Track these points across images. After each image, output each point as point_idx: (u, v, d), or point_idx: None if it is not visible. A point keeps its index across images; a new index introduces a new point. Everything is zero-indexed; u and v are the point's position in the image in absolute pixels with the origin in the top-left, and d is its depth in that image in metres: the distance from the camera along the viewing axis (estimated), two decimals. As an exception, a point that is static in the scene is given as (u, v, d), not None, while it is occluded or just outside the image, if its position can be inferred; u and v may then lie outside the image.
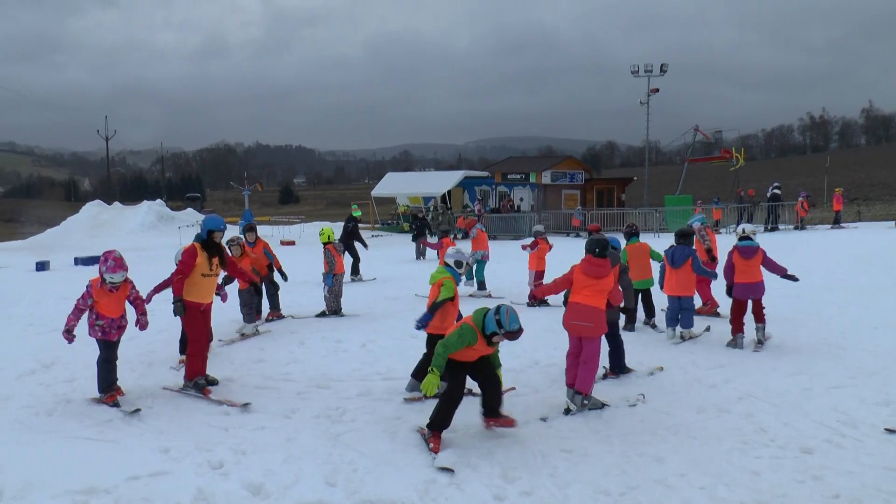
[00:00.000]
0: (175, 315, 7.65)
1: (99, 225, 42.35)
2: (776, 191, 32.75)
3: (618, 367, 8.34)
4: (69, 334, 7.32)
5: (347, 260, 15.82)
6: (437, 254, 15.61)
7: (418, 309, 13.01)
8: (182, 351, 8.82)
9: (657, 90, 48.36)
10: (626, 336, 8.71)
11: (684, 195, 42.85)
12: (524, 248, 14.52)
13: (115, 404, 7.16)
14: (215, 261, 7.94)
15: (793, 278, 9.93)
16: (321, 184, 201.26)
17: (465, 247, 14.47)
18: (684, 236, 10.56)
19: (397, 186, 42.64)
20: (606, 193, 42.59)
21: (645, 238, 12.24)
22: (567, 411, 6.97)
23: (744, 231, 10.31)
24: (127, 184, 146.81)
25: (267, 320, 11.90)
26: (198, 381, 7.74)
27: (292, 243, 33.36)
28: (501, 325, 6.06)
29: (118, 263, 7.24)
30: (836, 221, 30.97)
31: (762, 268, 9.93)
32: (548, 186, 40.49)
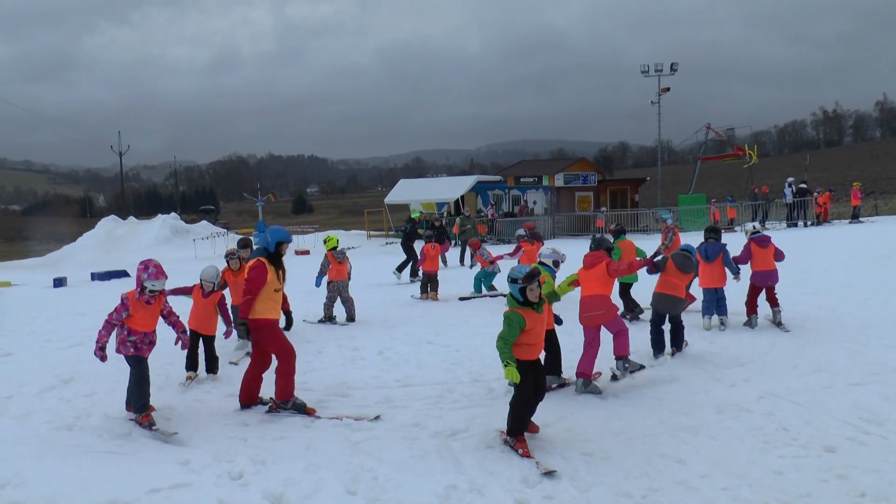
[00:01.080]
0: (240, 339, 7.39)
1: (114, 240, 42.65)
2: (802, 185, 32.48)
3: (676, 345, 9.21)
4: (102, 352, 7.03)
5: (378, 263, 15.67)
6: (471, 257, 15.60)
7: (434, 315, 13.05)
8: (189, 368, 8.78)
9: (668, 89, 48.22)
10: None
11: (698, 194, 42.72)
12: (510, 255, 14.79)
13: (151, 424, 6.91)
14: (282, 274, 7.57)
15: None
16: (334, 193, 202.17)
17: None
18: (714, 232, 11.12)
19: (410, 193, 42.68)
20: (620, 194, 42.48)
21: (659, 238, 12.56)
22: (614, 378, 7.89)
23: (754, 228, 11.50)
24: (141, 198, 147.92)
25: None
26: (295, 400, 7.37)
27: (307, 252, 33.45)
28: (517, 279, 6.16)
29: (159, 270, 7.09)
30: (855, 216, 30.73)
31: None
32: (561, 189, 40.44)
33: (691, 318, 10.54)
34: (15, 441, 6.68)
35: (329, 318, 12.71)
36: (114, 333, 7.18)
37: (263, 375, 7.59)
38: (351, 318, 12.68)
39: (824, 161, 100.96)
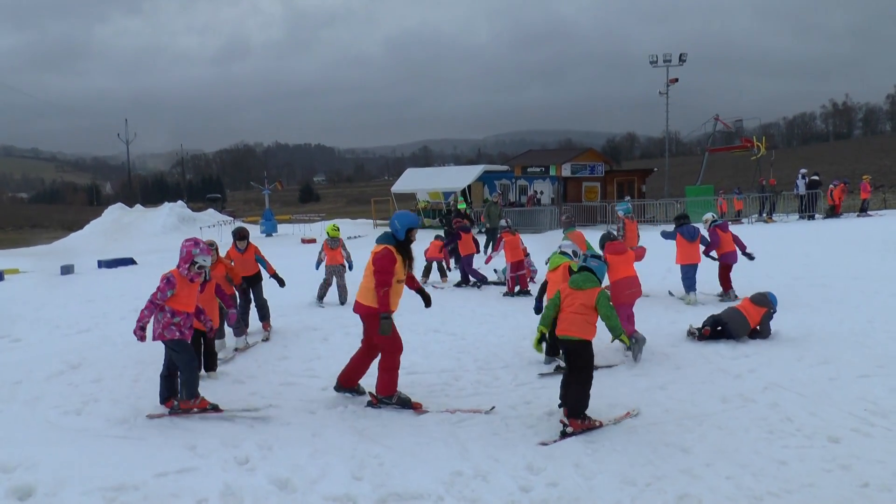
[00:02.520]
0: (381, 333, 6.88)
1: (121, 228, 42.81)
2: (815, 177, 32.28)
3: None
4: (143, 332, 6.85)
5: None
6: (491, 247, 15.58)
7: (441, 304, 13.06)
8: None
9: (676, 80, 48.02)
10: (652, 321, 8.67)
11: (705, 185, 42.52)
12: (494, 250, 15.26)
13: (215, 408, 6.87)
14: (409, 263, 7.23)
15: (750, 256, 12.76)
16: (341, 182, 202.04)
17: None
18: (683, 217, 12.80)
19: (417, 182, 42.61)
20: (627, 185, 42.31)
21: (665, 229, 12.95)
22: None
23: (713, 217, 12.90)
24: (148, 186, 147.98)
25: (265, 330, 10.87)
26: (399, 395, 7.11)
27: (313, 241, 33.51)
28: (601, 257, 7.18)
29: (208, 248, 7.08)
30: (863, 209, 30.59)
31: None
32: (568, 179, 40.31)
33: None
34: (24, 425, 6.75)
35: (322, 297, 13.88)
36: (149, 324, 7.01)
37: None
38: (342, 302, 13.55)
39: (833, 154, 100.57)
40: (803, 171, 33.51)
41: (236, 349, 9.81)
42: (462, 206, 21.32)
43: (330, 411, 7.00)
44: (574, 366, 6.48)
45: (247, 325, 10.47)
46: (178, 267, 6.93)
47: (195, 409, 6.84)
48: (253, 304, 10.94)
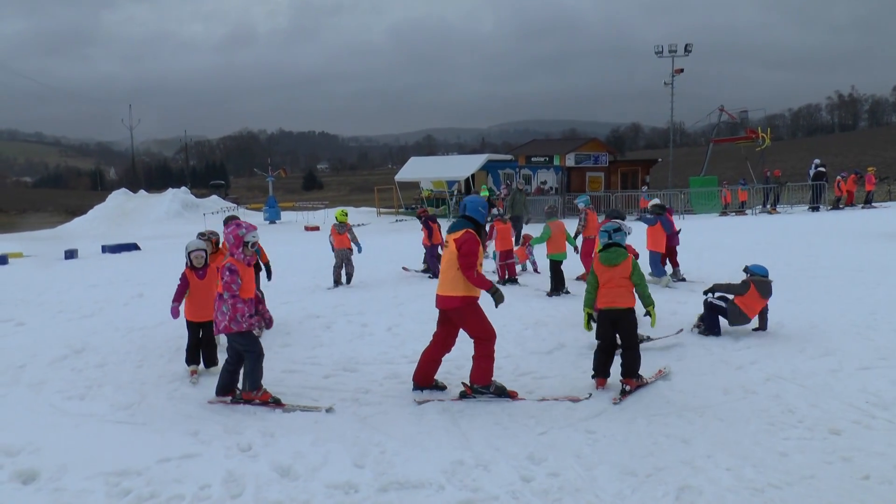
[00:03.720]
0: (497, 306, 6.91)
1: (125, 213, 42.87)
2: (820, 169, 32.12)
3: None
4: (252, 319, 6.68)
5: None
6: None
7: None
8: (192, 361, 8.03)
9: (681, 71, 47.93)
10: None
11: (709, 176, 42.49)
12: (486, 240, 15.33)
13: (277, 401, 6.72)
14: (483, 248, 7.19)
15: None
16: (344, 170, 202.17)
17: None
18: (662, 207, 13.47)
19: (421, 171, 42.63)
20: (631, 175, 42.32)
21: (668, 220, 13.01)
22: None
23: (654, 203, 13.70)
24: (152, 172, 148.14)
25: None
26: (495, 383, 6.98)
27: (317, 228, 33.55)
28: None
29: (249, 223, 6.89)
30: (868, 201, 30.51)
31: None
32: (572, 169, 40.30)
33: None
34: (28, 409, 6.78)
35: (336, 281, 14.28)
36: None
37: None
38: (349, 282, 14.41)
39: (839, 145, 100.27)
40: (817, 161, 33.30)
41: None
42: (485, 192, 21.17)
43: (332, 399, 7.01)
44: (624, 333, 7.18)
45: None
46: (233, 254, 6.69)
47: (257, 401, 6.71)
48: None
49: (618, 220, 8.35)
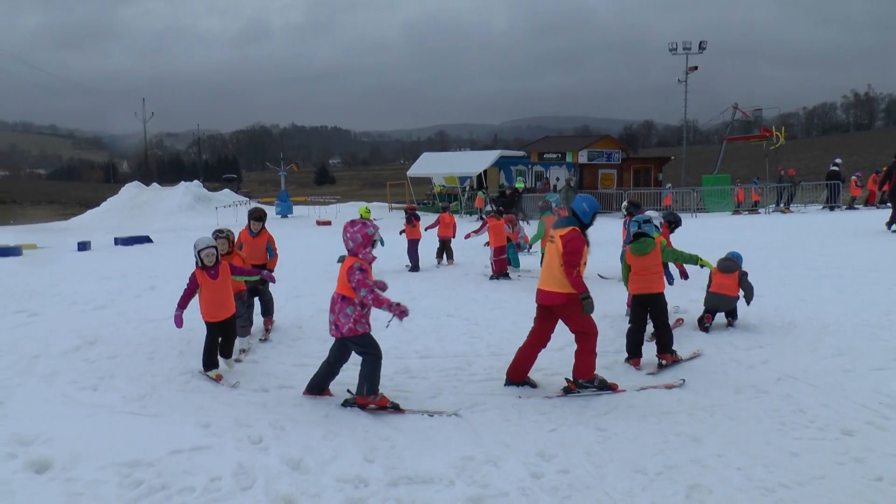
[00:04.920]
0: (585, 313, 6.76)
1: (137, 206, 43.01)
2: (833, 168, 31.82)
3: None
4: (402, 313, 6.43)
5: None
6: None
7: (456, 289, 13.11)
8: (210, 366, 7.64)
9: (696, 68, 47.75)
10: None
11: (722, 175, 42.31)
12: (476, 232, 15.57)
13: (395, 406, 6.51)
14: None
15: None
16: (357, 164, 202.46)
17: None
18: (637, 206, 12.84)
19: (433, 167, 42.51)
20: (644, 173, 42.12)
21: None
22: None
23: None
24: (164, 165, 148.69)
25: (265, 330, 9.75)
26: (598, 376, 6.98)
27: (329, 223, 33.59)
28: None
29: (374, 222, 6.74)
30: (883, 201, 30.20)
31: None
32: (584, 166, 40.18)
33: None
34: (42, 399, 6.82)
35: None
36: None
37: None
38: None
39: (854, 145, 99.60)
40: (838, 160, 33.01)
41: (242, 351, 8.69)
42: (520, 185, 21.07)
43: (342, 393, 7.02)
44: (655, 314, 7.95)
45: (251, 324, 9.32)
46: (357, 254, 6.53)
47: (372, 406, 6.49)
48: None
49: (648, 213, 8.87)
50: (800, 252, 16.45)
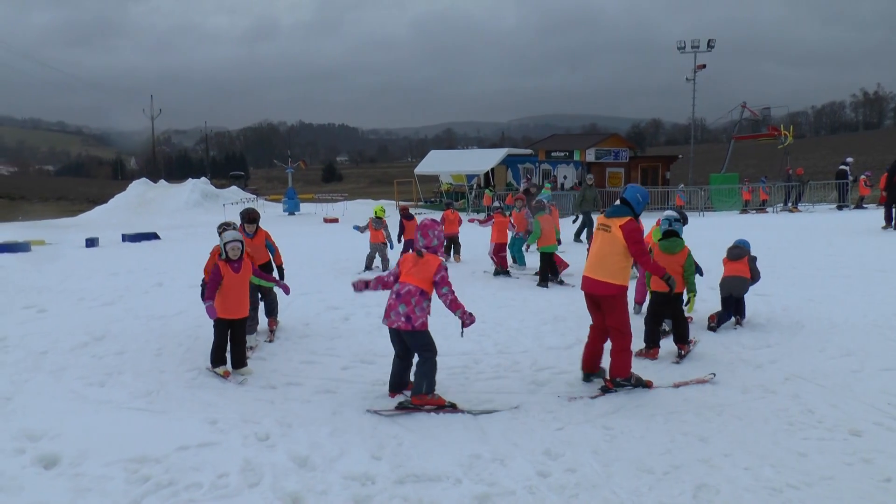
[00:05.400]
0: (672, 292, 7.60)
1: (145, 203, 43.14)
2: (842, 167, 31.60)
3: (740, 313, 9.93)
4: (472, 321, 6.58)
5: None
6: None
7: (462, 287, 13.08)
8: (218, 362, 7.52)
9: (704, 66, 47.55)
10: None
11: (730, 173, 42.14)
12: (481, 223, 16.21)
13: (452, 405, 6.47)
14: None
15: None
16: (364, 162, 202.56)
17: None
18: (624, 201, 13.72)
19: (440, 164, 42.50)
20: (651, 171, 42.02)
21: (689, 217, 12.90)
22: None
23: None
24: (172, 162, 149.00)
25: (270, 331, 9.52)
26: (635, 374, 7.01)
27: (336, 220, 33.60)
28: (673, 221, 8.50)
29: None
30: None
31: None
32: (592, 164, 40.08)
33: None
34: (50, 395, 6.85)
35: (367, 267, 15.34)
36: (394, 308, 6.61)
37: None
38: (385, 270, 14.74)
39: (862, 144, 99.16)
40: (849, 159, 32.82)
41: (249, 347, 8.49)
42: (546, 193, 21.07)
43: (350, 390, 7.04)
44: (674, 311, 8.14)
45: (257, 322, 9.19)
46: (436, 252, 6.62)
47: (429, 406, 6.44)
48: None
49: (673, 212, 8.95)
50: (808, 251, 16.39)
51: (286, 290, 8.46)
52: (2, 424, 6.01)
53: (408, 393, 6.68)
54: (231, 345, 7.61)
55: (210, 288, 7.46)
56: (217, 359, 7.55)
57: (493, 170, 39.60)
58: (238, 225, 8.90)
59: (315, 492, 4.85)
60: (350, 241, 19.87)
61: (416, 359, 6.70)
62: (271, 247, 9.65)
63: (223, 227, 8.55)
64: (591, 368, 7.25)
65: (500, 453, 5.44)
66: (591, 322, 7.27)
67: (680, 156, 49.17)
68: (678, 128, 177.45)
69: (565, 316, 10.26)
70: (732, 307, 9.52)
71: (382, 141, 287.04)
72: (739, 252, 9.81)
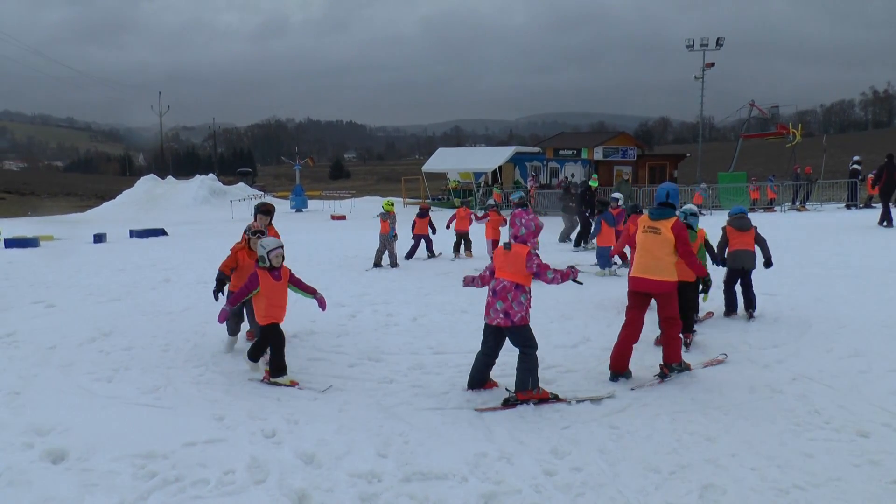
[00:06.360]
0: (705, 291, 7.89)
1: (153, 199, 43.31)
2: (855, 166, 31.44)
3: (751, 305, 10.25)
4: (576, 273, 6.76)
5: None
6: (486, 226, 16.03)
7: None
8: (278, 373, 7.14)
9: (712, 64, 47.34)
10: None
11: (738, 172, 41.98)
12: (478, 219, 16.84)
13: (556, 396, 6.55)
14: None
15: None
16: (372, 159, 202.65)
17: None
18: (605, 204, 14.78)
19: (448, 162, 42.45)
20: (659, 170, 41.94)
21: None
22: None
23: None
24: (180, 159, 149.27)
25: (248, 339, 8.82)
26: (684, 361, 7.44)
27: (343, 218, 33.64)
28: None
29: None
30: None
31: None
32: (600, 162, 40.03)
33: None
34: (58, 390, 6.89)
35: (377, 264, 15.45)
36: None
37: None
38: (392, 264, 15.49)
39: (871, 143, 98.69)
40: (857, 157, 32.63)
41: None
42: (594, 183, 20.88)
43: (357, 388, 7.05)
44: (684, 300, 8.06)
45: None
46: (527, 242, 6.65)
47: (534, 400, 6.46)
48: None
49: (693, 206, 9.41)
50: (816, 251, 16.32)
51: (322, 305, 7.63)
52: (10, 419, 6.05)
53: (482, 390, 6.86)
54: (262, 344, 7.35)
55: (240, 295, 7.21)
56: (279, 368, 7.16)
57: (500, 167, 39.55)
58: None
59: (321, 489, 4.85)
60: (357, 238, 19.89)
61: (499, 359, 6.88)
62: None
63: (257, 235, 8.24)
64: (622, 368, 7.33)
65: (507, 452, 5.44)
66: (623, 321, 7.48)
67: (688, 154, 49.03)
68: (686, 126, 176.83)
69: (572, 314, 10.24)
70: (740, 286, 9.96)
71: (390, 138, 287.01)
72: (745, 223, 10.10)
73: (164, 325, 9.80)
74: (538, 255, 6.57)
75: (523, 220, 6.72)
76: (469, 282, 7.11)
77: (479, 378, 6.87)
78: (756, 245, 10.05)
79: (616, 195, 15.73)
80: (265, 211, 9.24)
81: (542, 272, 6.49)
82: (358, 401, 6.65)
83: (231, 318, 8.21)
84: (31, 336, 9.06)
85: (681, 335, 7.46)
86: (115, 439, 5.55)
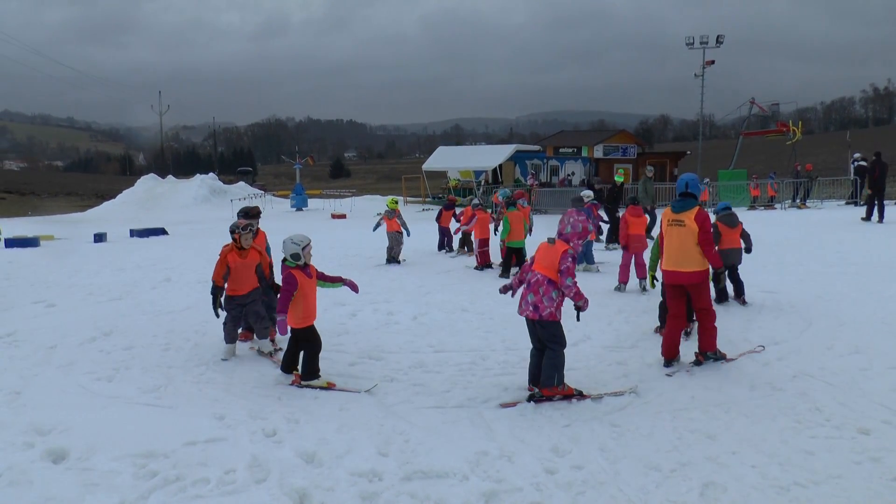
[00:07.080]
0: (720, 284, 8.50)
1: (153, 198, 43.29)
2: (862, 163, 31.38)
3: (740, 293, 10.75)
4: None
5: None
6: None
7: (471, 283, 13.10)
8: (311, 376, 7.03)
9: (713, 62, 47.39)
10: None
11: (739, 170, 41.97)
12: (457, 218, 17.50)
13: (580, 393, 6.59)
14: None
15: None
16: (372, 158, 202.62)
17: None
18: (579, 201, 14.27)
19: (448, 160, 42.37)
20: (659, 168, 41.89)
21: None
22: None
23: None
24: (180, 158, 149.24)
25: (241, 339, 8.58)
26: (719, 349, 7.76)
27: (343, 216, 33.62)
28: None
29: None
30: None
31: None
32: (600, 160, 40.02)
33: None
34: (59, 390, 6.89)
35: (389, 260, 15.89)
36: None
37: None
38: (398, 261, 15.87)
39: (872, 140, 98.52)
40: (857, 154, 32.59)
41: (260, 351, 8.35)
42: (619, 178, 20.77)
43: (357, 386, 7.03)
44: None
45: (273, 322, 8.32)
46: (569, 241, 6.65)
47: (558, 397, 6.52)
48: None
49: (727, 202, 9.87)
50: (816, 248, 16.32)
51: (354, 288, 7.58)
52: (11, 419, 6.04)
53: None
54: (306, 353, 7.13)
55: (284, 299, 6.86)
56: (314, 371, 7.08)
57: (500, 166, 39.49)
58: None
59: (322, 488, 4.85)
60: (358, 237, 19.89)
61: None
62: (270, 249, 9.28)
63: (248, 229, 8.10)
64: (674, 355, 7.68)
65: (508, 450, 5.44)
66: (670, 313, 7.79)
67: (688, 152, 49.01)
68: (686, 124, 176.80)
69: (572, 313, 10.21)
70: (729, 279, 10.16)
71: (391, 137, 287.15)
72: (733, 219, 10.46)
73: (165, 324, 9.80)
74: (574, 259, 6.60)
75: (571, 220, 6.79)
76: (505, 290, 7.22)
77: (536, 373, 6.82)
78: (741, 240, 10.49)
79: (586, 192, 15.70)
80: (254, 214, 8.96)
81: (566, 275, 6.49)
82: (359, 400, 6.65)
83: (230, 324, 8.15)
84: (32, 336, 9.06)
85: (715, 324, 7.63)
86: (115, 439, 5.55)
